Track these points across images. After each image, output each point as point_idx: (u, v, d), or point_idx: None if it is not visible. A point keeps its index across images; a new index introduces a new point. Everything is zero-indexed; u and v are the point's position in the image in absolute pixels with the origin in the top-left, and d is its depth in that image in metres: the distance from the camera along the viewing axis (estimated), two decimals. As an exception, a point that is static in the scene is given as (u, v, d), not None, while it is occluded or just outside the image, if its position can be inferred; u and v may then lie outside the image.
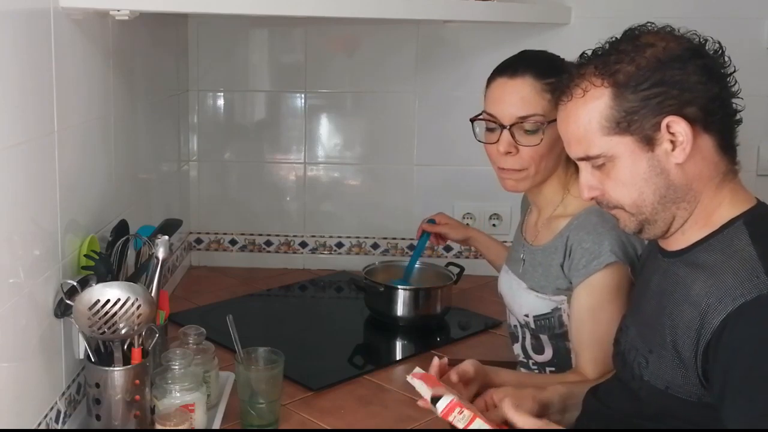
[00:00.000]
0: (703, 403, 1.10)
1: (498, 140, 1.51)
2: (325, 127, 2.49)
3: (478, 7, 1.93)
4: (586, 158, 1.19)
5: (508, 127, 1.49)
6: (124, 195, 1.74)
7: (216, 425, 1.45)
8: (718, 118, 1.14)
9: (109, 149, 1.65)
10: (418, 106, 2.42)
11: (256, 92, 2.48)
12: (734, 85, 1.15)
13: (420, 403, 1.26)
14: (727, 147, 1.16)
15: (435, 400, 1.22)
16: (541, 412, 1.32)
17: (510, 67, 1.52)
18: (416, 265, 2.15)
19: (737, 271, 1.06)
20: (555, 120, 1.36)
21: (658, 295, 1.19)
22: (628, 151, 1.14)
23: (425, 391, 1.25)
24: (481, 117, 1.55)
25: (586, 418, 1.33)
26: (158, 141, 2.12)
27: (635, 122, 1.12)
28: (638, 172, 1.14)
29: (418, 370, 1.31)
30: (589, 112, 1.16)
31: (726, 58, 1.15)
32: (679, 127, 1.11)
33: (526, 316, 1.57)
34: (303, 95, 2.44)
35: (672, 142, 1.12)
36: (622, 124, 1.13)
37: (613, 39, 1.19)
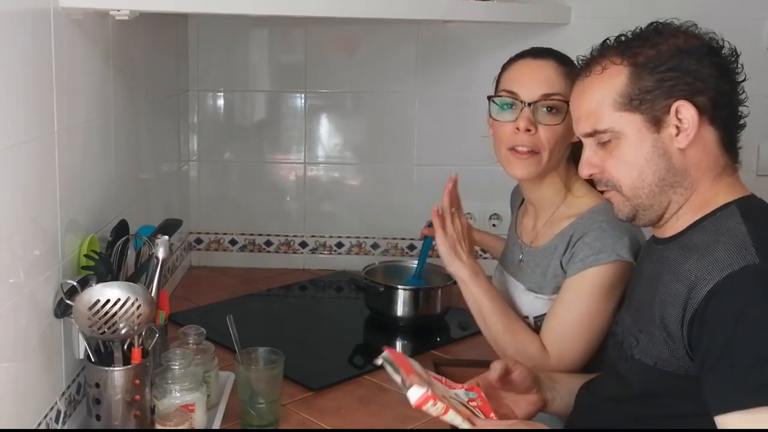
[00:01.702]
0: (689, 375, 1.12)
1: (518, 117, 1.49)
2: (325, 127, 2.49)
3: (478, 7, 1.93)
4: (593, 133, 1.22)
5: (530, 103, 1.48)
6: (124, 195, 1.74)
7: (216, 425, 1.45)
8: (724, 114, 1.18)
9: (109, 149, 1.65)
10: (418, 106, 2.42)
11: (256, 92, 2.48)
12: (743, 93, 1.20)
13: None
14: (729, 145, 1.20)
15: (407, 387, 1.17)
16: (532, 385, 1.35)
17: (532, 52, 1.54)
18: (415, 265, 2.15)
19: (727, 246, 1.09)
20: None
21: (651, 278, 1.22)
22: (635, 129, 1.18)
23: (396, 376, 1.21)
24: (500, 95, 1.53)
25: (578, 412, 1.35)
26: (158, 141, 2.12)
27: (647, 101, 1.16)
28: (642, 151, 1.18)
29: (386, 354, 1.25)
30: (606, 87, 1.20)
31: (739, 66, 1.19)
32: (688, 112, 1.15)
33: (526, 317, 1.57)
34: (303, 95, 2.44)
35: (677, 127, 1.16)
36: (635, 101, 1.17)
37: (638, 29, 1.23)
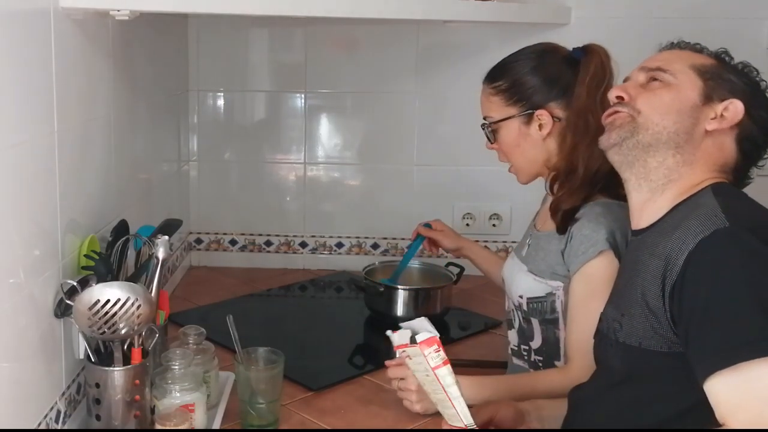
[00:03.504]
0: (672, 353, 1.14)
1: None
2: (325, 127, 2.49)
3: (478, 7, 1.93)
4: (655, 69, 1.27)
5: (482, 127, 1.64)
6: (124, 195, 1.74)
7: (216, 425, 1.45)
8: (749, 146, 1.25)
9: (109, 149, 1.65)
10: (418, 106, 2.42)
11: (256, 92, 2.47)
12: (763, 164, 1.28)
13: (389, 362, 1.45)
14: (738, 168, 1.26)
15: (413, 339, 1.27)
16: (518, 418, 1.38)
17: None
18: (415, 265, 2.15)
19: (698, 216, 1.13)
20: (507, 118, 1.56)
21: (631, 266, 1.24)
22: (689, 88, 1.24)
23: (404, 336, 1.30)
24: None
25: (570, 411, 1.36)
26: (158, 141, 2.12)
27: (715, 82, 1.24)
28: (680, 101, 1.23)
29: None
30: (695, 57, 1.28)
31: None
32: (735, 111, 1.22)
33: (521, 297, 1.60)
34: (303, 95, 2.44)
35: (716, 115, 1.22)
36: (707, 75, 1.24)
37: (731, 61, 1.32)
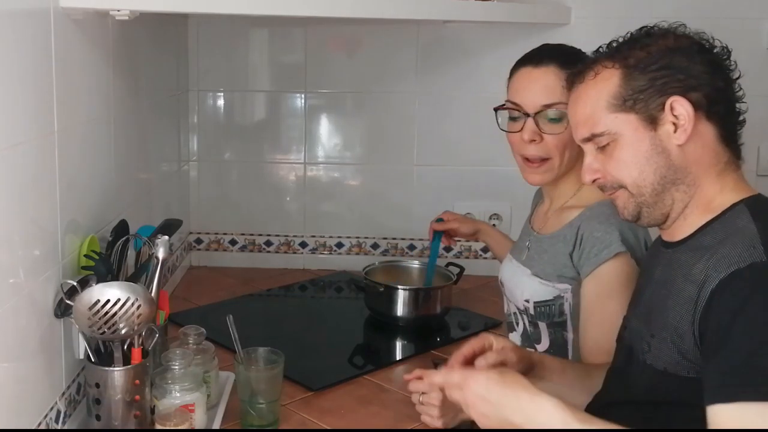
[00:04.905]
0: (700, 379, 1.12)
1: (522, 128, 1.53)
2: (325, 127, 2.49)
3: (478, 7, 1.93)
4: (591, 137, 1.23)
5: (532, 114, 1.51)
6: (124, 195, 1.74)
7: (216, 425, 1.45)
8: (721, 109, 1.18)
9: (109, 149, 1.65)
10: (418, 106, 2.42)
11: (256, 92, 2.47)
12: (739, 90, 1.20)
13: None
14: (729, 140, 1.20)
15: None
16: (526, 369, 1.35)
17: (534, 57, 1.54)
18: (415, 265, 2.15)
19: (736, 244, 1.10)
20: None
21: (662, 283, 1.21)
22: (632, 128, 1.18)
23: None
24: (505, 106, 1.57)
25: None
26: (158, 141, 2.12)
27: (641, 101, 1.17)
28: (640, 150, 1.18)
29: None
30: (599, 91, 1.21)
31: (732, 62, 1.19)
32: (682, 108, 1.15)
33: (527, 301, 1.57)
34: (303, 95, 2.44)
35: (674, 124, 1.16)
36: (629, 102, 1.18)
37: (628, 34, 1.24)
